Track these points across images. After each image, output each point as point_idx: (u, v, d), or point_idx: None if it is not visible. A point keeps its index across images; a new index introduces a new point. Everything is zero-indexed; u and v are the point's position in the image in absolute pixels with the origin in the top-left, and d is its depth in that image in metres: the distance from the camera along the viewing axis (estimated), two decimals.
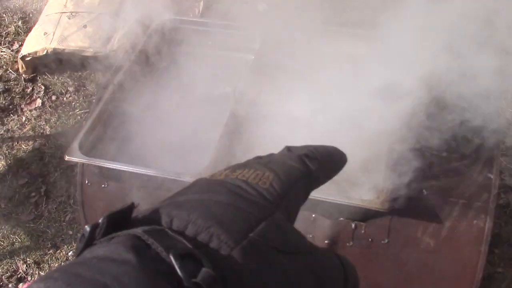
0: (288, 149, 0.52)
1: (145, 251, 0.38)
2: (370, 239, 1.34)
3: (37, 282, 0.36)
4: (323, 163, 0.52)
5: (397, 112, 1.38)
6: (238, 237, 0.40)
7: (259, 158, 0.52)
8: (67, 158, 1.36)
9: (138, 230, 0.39)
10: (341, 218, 1.36)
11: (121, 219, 0.41)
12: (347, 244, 1.35)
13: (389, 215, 1.31)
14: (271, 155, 0.52)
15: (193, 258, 0.38)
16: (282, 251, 0.41)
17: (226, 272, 0.38)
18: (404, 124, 1.39)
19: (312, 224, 1.36)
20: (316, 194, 1.23)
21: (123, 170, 1.34)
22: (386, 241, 1.33)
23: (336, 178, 1.32)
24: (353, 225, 1.34)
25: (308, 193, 0.51)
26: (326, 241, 1.35)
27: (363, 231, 1.34)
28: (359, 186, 1.34)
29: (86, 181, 1.53)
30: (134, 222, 0.42)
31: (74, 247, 2.21)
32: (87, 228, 0.40)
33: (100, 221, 0.41)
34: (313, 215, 1.36)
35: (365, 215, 1.32)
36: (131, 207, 0.42)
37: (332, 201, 1.23)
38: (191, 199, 0.44)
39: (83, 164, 1.51)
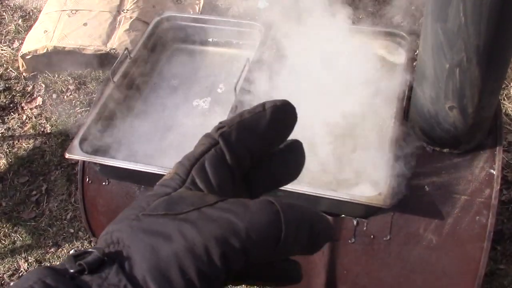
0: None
1: None
2: (372, 236, 1.33)
3: None
4: (239, 127, 0.44)
5: (398, 107, 1.38)
6: (131, 220, 0.39)
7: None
8: (67, 155, 1.36)
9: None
10: (343, 215, 1.35)
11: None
12: (349, 241, 1.35)
13: (391, 212, 1.31)
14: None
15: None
16: (171, 214, 0.39)
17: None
18: (404, 119, 1.39)
19: None
20: (317, 190, 1.23)
21: (124, 168, 1.34)
22: (388, 237, 1.32)
23: (337, 174, 1.31)
24: (354, 222, 1.34)
25: (232, 165, 0.44)
26: None
27: (365, 228, 1.33)
28: (360, 183, 1.34)
29: (87, 179, 1.52)
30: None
31: (75, 246, 2.21)
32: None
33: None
34: None
35: (367, 212, 1.31)
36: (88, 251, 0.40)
37: (334, 197, 1.22)
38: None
39: (83, 161, 1.50)
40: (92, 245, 2.15)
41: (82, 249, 0.37)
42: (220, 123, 0.44)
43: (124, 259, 0.37)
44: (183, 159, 0.43)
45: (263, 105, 0.44)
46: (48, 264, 2.14)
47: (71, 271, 0.37)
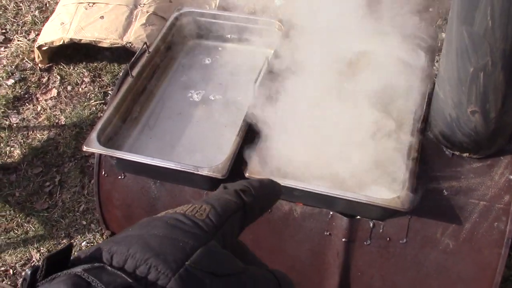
0: (224, 186, 0.58)
1: None
2: (388, 239, 1.32)
3: None
4: (258, 196, 0.57)
5: (418, 110, 1.36)
6: (175, 266, 0.44)
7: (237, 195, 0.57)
8: (85, 148, 1.36)
9: (78, 269, 0.42)
10: (358, 216, 1.34)
11: (61, 260, 0.44)
12: (365, 242, 1.34)
13: (408, 215, 1.30)
14: (212, 193, 0.58)
15: None
16: (216, 275, 0.46)
17: None
18: (424, 122, 1.37)
19: (330, 221, 1.35)
20: (335, 191, 1.23)
21: (140, 162, 1.33)
22: (404, 240, 1.31)
23: (356, 175, 1.30)
24: (371, 224, 1.33)
25: (244, 224, 0.56)
26: (343, 239, 1.34)
27: (381, 230, 1.32)
28: (379, 185, 1.33)
29: (103, 172, 1.53)
30: (76, 262, 0.45)
31: (88, 238, 2.22)
32: (28, 271, 0.43)
33: (40, 263, 0.43)
34: (331, 213, 1.35)
35: (384, 214, 1.30)
36: (70, 247, 0.45)
37: (351, 199, 1.22)
38: (130, 234, 0.47)
39: (100, 155, 1.51)
40: (104, 237, 2.16)
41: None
42: (246, 184, 0.58)
43: None
44: (215, 203, 0.53)
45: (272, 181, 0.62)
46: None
47: None
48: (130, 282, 0.42)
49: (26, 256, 2.19)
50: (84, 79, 2.93)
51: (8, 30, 3.29)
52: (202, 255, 0.46)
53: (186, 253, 0.45)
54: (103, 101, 2.79)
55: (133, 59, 1.57)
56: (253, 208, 0.57)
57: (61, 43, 2.82)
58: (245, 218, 0.56)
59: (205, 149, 1.49)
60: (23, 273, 0.41)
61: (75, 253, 0.47)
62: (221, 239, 0.50)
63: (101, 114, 2.66)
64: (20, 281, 0.43)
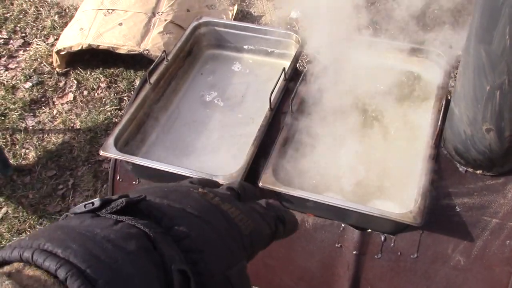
0: (267, 204, 0.60)
1: (152, 254, 0.42)
2: (399, 253, 1.33)
3: (49, 242, 0.38)
4: (287, 227, 0.60)
5: (432, 126, 1.37)
6: (218, 271, 0.46)
7: (236, 194, 0.59)
8: (102, 153, 1.38)
9: (148, 225, 0.44)
10: (370, 230, 1.35)
11: (130, 205, 0.46)
12: (375, 256, 1.34)
13: (420, 230, 1.30)
14: (252, 203, 0.59)
15: (182, 273, 0.43)
16: None
17: None
18: (438, 138, 1.38)
19: (341, 233, 1.36)
20: (348, 204, 1.24)
21: (155, 168, 1.35)
22: (415, 255, 1.32)
23: (369, 188, 1.31)
24: (382, 238, 1.33)
25: (264, 248, 0.58)
26: (354, 252, 1.34)
27: (392, 244, 1.33)
28: (391, 199, 1.34)
29: (118, 177, 1.55)
30: (135, 210, 0.46)
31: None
32: (99, 201, 0.45)
33: (114, 199, 0.45)
34: (343, 225, 1.35)
35: (396, 228, 1.31)
36: (143, 199, 0.47)
37: (363, 212, 1.22)
38: (190, 213, 0.49)
39: (115, 160, 1.53)
40: None
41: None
42: (284, 214, 0.60)
43: None
44: (257, 221, 0.55)
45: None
46: None
47: None
48: (186, 267, 0.44)
49: None
50: (100, 84, 2.97)
51: (27, 34, 3.35)
52: (236, 271, 0.48)
53: (229, 265, 0.48)
54: (118, 107, 2.82)
55: (151, 66, 1.59)
56: (279, 237, 0.60)
57: (79, 48, 2.87)
58: (269, 243, 0.59)
59: (220, 157, 1.50)
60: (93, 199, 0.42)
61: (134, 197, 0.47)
62: (247, 258, 0.53)
63: (116, 120, 2.69)
64: (85, 202, 0.43)
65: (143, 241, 0.42)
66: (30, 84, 3.01)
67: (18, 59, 3.20)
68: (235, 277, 0.48)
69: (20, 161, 2.61)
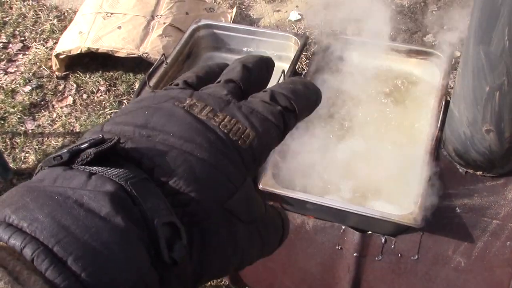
0: (272, 94, 0.46)
1: (131, 211, 0.36)
2: (399, 255, 1.33)
3: (15, 214, 0.34)
4: (300, 113, 0.47)
5: (432, 127, 1.37)
6: (215, 207, 0.40)
7: (236, 88, 0.48)
8: None
9: (124, 175, 0.37)
10: (370, 232, 1.35)
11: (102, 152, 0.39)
12: (376, 258, 1.34)
13: (420, 231, 1.30)
14: (252, 97, 0.47)
15: (170, 225, 0.37)
16: (244, 221, 0.42)
17: (195, 237, 0.39)
18: (438, 139, 1.38)
19: (342, 235, 1.35)
20: (348, 206, 1.24)
21: None
22: (416, 257, 1.31)
23: (368, 191, 1.30)
24: (383, 239, 1.33)
25: (276, 146, 0.47)
26: (354, 254, 1.34)
27: (392, 246, 1.33)
28: (391, 201, 1.34)
29: None
30: (112, 154, 0.39)
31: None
32: (67, 153, 0.38)
33: (83, 148, 0.39)
34: (343, 227, 1.35)
35: (396, 230, 1.31)
36: (117, 143, 0.39)
37: (363, 214, 1.22)
38: (174, 144, 0.41)
39: None
40: None
41: None
42: (293, 97, 0.47)
43: None
44: (260, 128, 0.44)
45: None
46: None
47: None
48: (174, 219, 0.38)
49: None
50: (99, 87, 2.96)
51: (26, 37, 3.35)
52: (238, 200, 0.41)
53: (228, 195, 0.40)
54: (117, 110, 2.82)
55: (151, 69, 1.59)
56: (290, 129, 0.47)
57: (78, 51, 2.86)
58: (279, 142, 0.47)
59: None
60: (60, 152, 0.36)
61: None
62: (253, 173, 0.44)
63: None
64: (53, 155, 0.37)
65: (118, 197, 0.36)
66: (30, 87, 3.01)
67: (17, 63, 3.20)
68: (238, 206, 0.41)
69: (20, 164, 2.61)
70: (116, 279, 0.34)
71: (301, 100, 0.48)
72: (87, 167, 0.38)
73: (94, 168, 0.38)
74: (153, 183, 0.39)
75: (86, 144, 0.39)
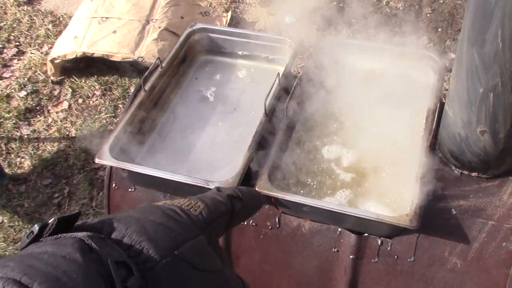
0: (218, 189, 0.63)
1: (89, 254, 0.45)
2: (395, 256, 1.33)
3: None
4: (245, 203, 0.62)
5: (427, 129, 1.38)
6: (164, 253, 0.48)
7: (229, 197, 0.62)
8: (97, 160, 1.37)
9: (83, 234, 0.46)
10: (366, 234, 1.35)
11: (67, 224, 0.49)
12: (372, 260, 1.34)
13: (416, 233, 1.30)
14: (206, 193, 0.63)
15: (125, 266, 0.45)
16: (197, 269, 0.50)
17: (150, 280, 0.46)
18: (433, 141, 1.38)
19: (338, 238, 1.35)
20: (344, 208, 1.24)
21: (151, 175, 1.35)
22: (412, 259, 1.32)
23: (363, 193, 1.30)
24: (379, 241, 1.33)
25: (228, 226, 0.61)
26: (351, 256, 1.34)
27: (389, 248, 1.33)
28: (386, 203, 1.34)
29: (114, 185, 1.54)
30: (79, 228, 0.49)
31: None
32: (37, 226, 0.48)
33: (49, 222, 0.48)
34: (339, 229, 1.35)
35: (392, 232, 1.31)
36: (78, 214, 0.50)
37: (360, 216, 1.22)
38: (131, 215, 0.52)
39: (111, 167, 1.52)
40: None
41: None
42: (237, 192, 0.63)
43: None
44: (209, 202, 0.58)
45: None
46: None
47: None
48: (125, 257, 0.46)
49: None
50: (95, 92, 2.96)
51: (21, 42, 3.34)
52: (190, 247, 0.50)
53: (177, 243, 0.50)
54: (113, 114, 2.82)
55: (146, 73, 1.59)
56: (239, 213, 0.61)
57: (73, 56, 2.87)
58: (231, 222, 0.61)
59: (215, 164, 1.50)
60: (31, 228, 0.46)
61: (79, 222, 0.51)
62: (207, 236, 0.55)
63: (111, 127, 2.68)
64: (26, 233, 0.47)
65: (79, 245, 0.45)
66: (25, 92, 3.00)
67: (12, 68, 3.20)
68: (189, 253, 0.50)
69: (15, 170, 2.60)
70: None
71: (243, 190, 0.63)
72: (52, 236, 0.47)
73: (60, 235, 0.47)
74: (110, 240, 0.48)
75: (52, 219, 0.48)
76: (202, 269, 0.51)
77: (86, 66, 3.07)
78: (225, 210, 0.59)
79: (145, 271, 0.46)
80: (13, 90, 3.02)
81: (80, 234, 0.46)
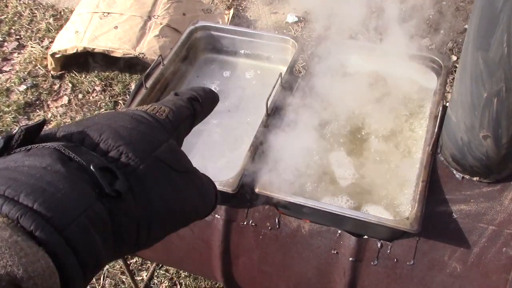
0: (176, 93, 0.61)
1: (69, 163, 0.43)
2: (395, 260, 1.32)
3: None
4: (204, 104, 0.62)
5: (429, 132, 1.37)
6: (144, 155, 0.47)
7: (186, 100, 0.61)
8: None
9: (58, 144, 0.44)
10: (366, 236, 1.34)
11: (31, 135, 0.46)
12: (372, 263, 1.34)
13: (416, 237, 1.30)
14: (165, 98, 0.61)
15: (109, 171, 0.44)
16: (175, 170, 0.50)
17: (133, 183, 0.46)
18: (435, 145, 1.38)
19: (338, 240, 1.35)
20: (344, 210, 1.23)
21: None
22: (412, 262, 1.31)
23: (364, 196, 1.30)
24: (379, 244, 1.33)
25: (191, 128, 0.61)
26: (350, 258, 1.34)
27: (388, 251, 1.32)
28: (387, 206, 1.33)
29: None
30: (46, 139, 0.47)
31: None
32: (1, 139, 0.45)
33: (15, 132, 0.45)
34: (339, 231, 1.35)
35: (392, 235, 1.30)
36: (43, 123, 0.47)
37: (360, 218, 1.22)
38: (100, 122, 0.50)
39: None
40: None
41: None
42: (194, 93, 0.62)
43: None
44: (173, 107, 0.57)
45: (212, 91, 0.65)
46: None
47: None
48: (106, 163, 0.45)
49: None
50: (95, 87, 2.95)
51: (22, 36, 3.33)
52: (165, 150, 0.50)
53: (154, 146, 0.49)
54: (113, 110, 2.81)
55: (147, 70, 1.59)
56: (200, 115, 0.61)
57: (74, 51, 2.85)
58: (192, 124, 0.61)
59: (216, 163, 1.49)
60: None
61: (44, 131, 0.48)
62: (176, 139, 0.55)
63: None
64: None
65: (56, 155, 0.43)
66: (25, 87, 2.99)
67: (12, 61, 3.18)
68: (166, 155, 0.49)
69: None
70: (66, 206, 0.40)
71: (200, 91, 0.62)
72: (22, 147, 0.44)
73: (30, 146, 0.44)
74: (84, 148, 0.46)
75: (17, 129, 0.45)
76: (181, 171, 0.51)
77: (87, 61, 3.05)
78: (188, 113, 0.58)
79: (126, 175, 0.45)
80: (13, 84, 3.01)
81: (55, 144, 0.44)
